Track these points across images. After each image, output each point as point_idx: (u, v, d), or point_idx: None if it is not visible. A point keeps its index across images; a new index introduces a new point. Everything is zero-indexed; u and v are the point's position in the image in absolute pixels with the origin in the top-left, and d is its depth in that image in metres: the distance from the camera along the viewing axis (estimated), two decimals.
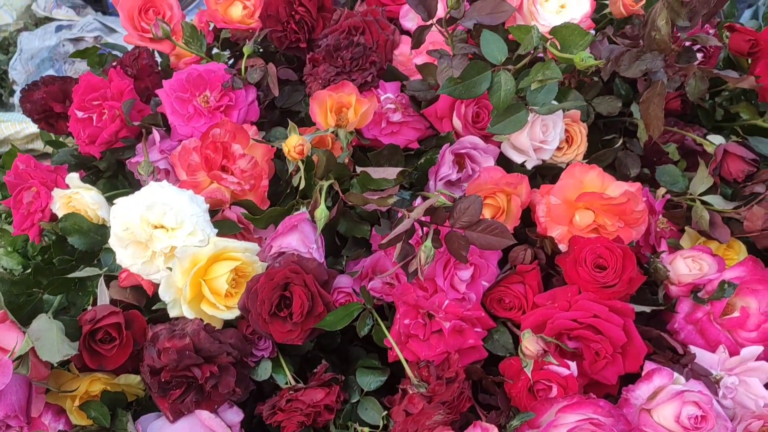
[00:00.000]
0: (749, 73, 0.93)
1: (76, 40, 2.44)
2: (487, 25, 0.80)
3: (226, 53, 0.92)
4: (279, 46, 0.96)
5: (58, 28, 2.61)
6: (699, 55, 0.91)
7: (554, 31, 0.69)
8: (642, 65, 0.75)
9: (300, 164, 0.74)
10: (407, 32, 0.98)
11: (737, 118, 0.93)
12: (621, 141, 0.84)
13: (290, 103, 0.94)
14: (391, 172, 0.74)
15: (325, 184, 0.73)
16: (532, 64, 0.73)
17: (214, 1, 0.98)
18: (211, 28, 1.00)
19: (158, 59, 1.00)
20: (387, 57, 0.95)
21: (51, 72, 2.36)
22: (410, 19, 0.99)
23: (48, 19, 2.77)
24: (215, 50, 1.00)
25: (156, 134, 0.82)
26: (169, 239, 0.66)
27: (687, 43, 0.81)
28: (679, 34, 0.74)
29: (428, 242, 0.65)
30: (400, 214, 0.71)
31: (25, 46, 2.50)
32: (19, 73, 2.39)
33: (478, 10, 0.80)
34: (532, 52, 0.70)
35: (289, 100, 0.95)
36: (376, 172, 0.75)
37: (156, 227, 0.67)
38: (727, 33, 0.92)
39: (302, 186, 0.75)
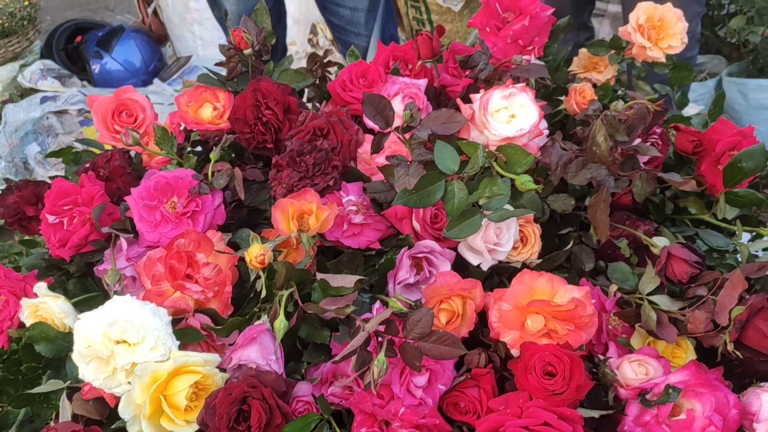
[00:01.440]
0: (696, 170, 0.98)
1: (60, 113, 2.49)
2: (441, 134, 0.84)
3: (194, 158, 0.96)
4: (247, 147, 1.00)
5: (43, 100, 2.66)
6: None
7: (500, 149, 0.73)
8: (588, 173, 0.79)
9: (261, 273, 0.77)
10: (371, 131, 1.02)
11: (687, 212, 0.97)
12: (571, 244, 0.87)
13: (257, 202, 0.98)
14: (349, 281, 0.77)
15: (285, 293, 0.76)
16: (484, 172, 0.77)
17: (185, 103, 1.03)
18: (182, 128, 1.04)
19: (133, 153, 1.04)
20: (351, 155, 0.99)
21: (34, 145, 2.40)
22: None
23: (33, 90, 2.82)
24: (189, 148, 1.04)
25: (123, 242, 0.84)
26: (130, 355, 0.68)
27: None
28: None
29: (381, 356, 0.67)
30: (357, 323, 0.73)
31: (9, 118, 2.54)
32: (3, 146, 2.43)
33: (432, 120, 0.85)
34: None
35: (256, 198, 0.98)
36: (335, 280, 0.77)
37: (118, 342, 0.69)
38: (674, 131, 0.97)
39: (264, 294, 0.77)
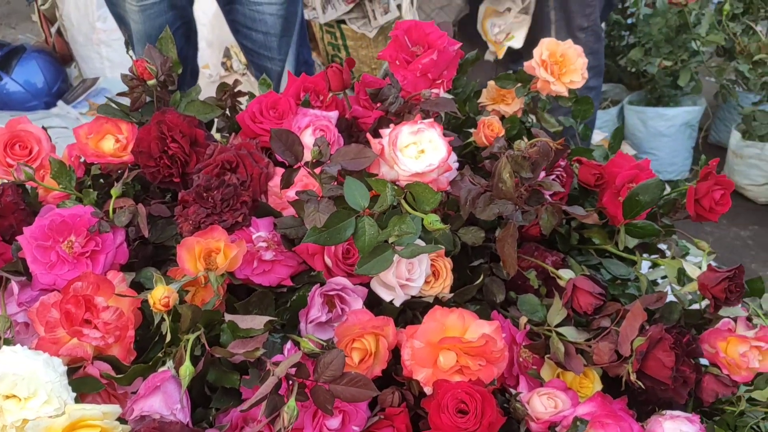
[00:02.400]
0: (598, 201, 1.01)
1: None
2: (351, 171, 0.84)
3: (94, 193, 0.91)
4: (152, 181, 0.96)
5: None
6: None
7: (408, 186, 0.74)
8: (495, 209, 0.81)
9: (166, 316, 0.74)
10: (282, 163, 1.01)
11: (592, 242, 1.00)
12: (482, 278, 0.88)
13: (164, 238, 0.94)
14: (259, 322, 0.74)
15: (191, 337, 0.73)
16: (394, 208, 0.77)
17: (84, 135, 0.98)
18: (81, 161, 0.99)
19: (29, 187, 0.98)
20: (261, 189, 0.97)
21: None
22: None
23: None
24: (89, 182, 0.99)
25: (14, 285, 0.79)
26: (21, 411, 0.64)
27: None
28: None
29: (292, 401, 0.66)
30: (267, 366, 0.71)
31: None
32: None
33: (342, 155, 0.84)
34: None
35: (162, 235, 0.94)
36: (244, 321, 0.75)
37: (7, 397, 0.64)
38: (578, 164, 1.01)
39: (168, 338, 0.74)
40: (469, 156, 1.16)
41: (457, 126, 1.19)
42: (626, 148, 2.27)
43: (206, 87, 2.91)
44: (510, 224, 0.81)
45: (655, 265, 0.97)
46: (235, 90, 1.16)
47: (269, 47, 1.76)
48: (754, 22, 2.31)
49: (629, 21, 2.63)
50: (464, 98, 1.21)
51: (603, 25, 2.48)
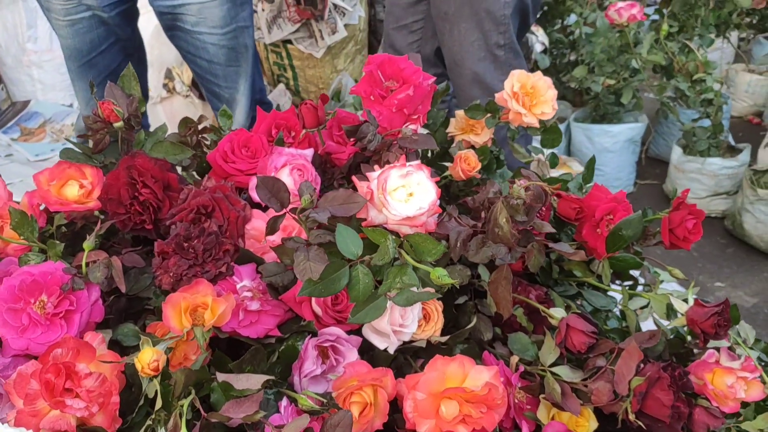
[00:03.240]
0: (576, 233, 1.02)
1: None
2: (340, 216, 0.82)
3: (61, 245, 0.86)
4: (123, 229, 0.91)
5: None
6: None
7: (408, 237, 0.72)
8: (488, 251, 0.80)
9: (156, 381, 0.70)
10: (258, 204, 0.97)
11: (572, 274, 1.00)
12: (474, 321, 0.87)
13: (138, 289, 0.89)
14: (254, 381, 0.71)
15: (185, 402, 0.69)
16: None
17: (46, 181, 0.92)
18: (42, 208, 0.93)
19: None
20: (239, 233, 0.93)
21: None
22: None
23: None
24: (52, 231, 0.93)
25: None
26: None
27: None
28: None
29: None
30: (267, 429, 0.68)
31: None
32: None
33: (330, 201, 0.82)
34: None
35: (136, 285, 0.89)
36: (239, 381, 0.72)
37: None
38: (556, 198, 1.01)
39: (159, 404, 0.70)
40: (443, 188, 1.15)
41: (430, 158, 1.19)
42: (574, 165, 2.33)
43: (147, 109, 2.83)
44: (503, 267, 0.81)
45: (632, 288, 0.99)
46: (200, 126, 1.11)
47: (215, 74, 1.72)
48: (689, 41, 2.40)
49: (570, 38, 2.70)
50: (434, 129, 1.20)
51: (544, 42, 2.54)
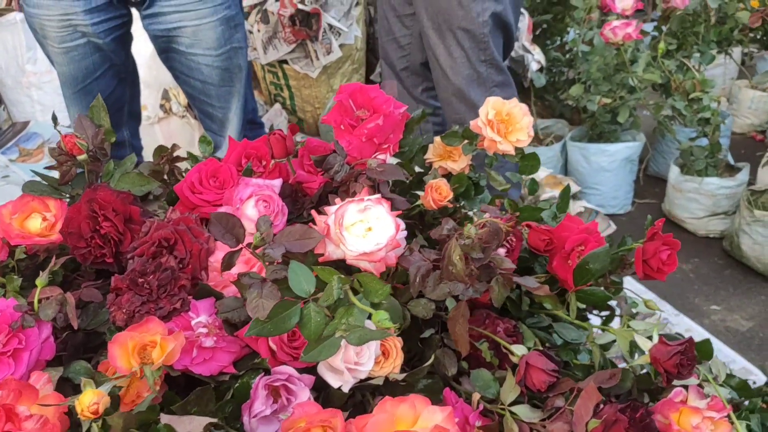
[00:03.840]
0: (548, 265, 1.00)
1: None
2: (296, 252, 0.81)
3: (18, 280, 0.85)
4: (83, 262, 0.91)
5: None
6: (503, 251, 0.97)
7: (356, 276, 0.71)
8: (445, 288, 0.79)
9: (96, 426, 0.69)
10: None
11: (544, 306, 0.98)
12: (431, 359, 0.86)
13: (96, 324, 0.89)
14: (198, 424, 0.70)
15: None
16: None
17: (8, 214, 0.92)
18: (4, 242, 0.93)
19: None
20: (202, 266, 0.92)
21: None
22: None
23: None
24: (12, 264, 0.92)
25: None
26: None
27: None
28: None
29: None
30: None
31: None
32: None
33: (286, 236, 0.81)
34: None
35: (94, 320, 0.89)
36: (182, 424, 0.70)
37: None
38: (527, 228, 1.00)
39: None
40: (417, 217, 1.14)
41: (405, 187, 1.17)
42: (570, 184, 2.30)
43: (143, 129, 2.84)
44: (461, 304, 0.79)
45: (606, 322, 0.97)
46: (174, 155, 1.11)
47: (208, 95, 1.72)
48: (687, 59, 2.38)
49: (568, 56, 2.68)
50: (411, 156, 1.19)
51: (540, 60, 2.52)
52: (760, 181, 2.26)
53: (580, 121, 2.50)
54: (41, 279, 0.81)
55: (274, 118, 2.65)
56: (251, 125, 1.92)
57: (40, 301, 0.81)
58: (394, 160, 1.06)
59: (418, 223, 1.14)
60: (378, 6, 1.99)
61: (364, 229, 0.81)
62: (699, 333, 1.81)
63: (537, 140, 2.54)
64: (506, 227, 0.74)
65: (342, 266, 0.83)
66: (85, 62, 1.56)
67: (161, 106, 2.62)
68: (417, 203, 1.08)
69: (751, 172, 2.34)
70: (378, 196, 0.84)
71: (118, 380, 0.73)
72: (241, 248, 0.82)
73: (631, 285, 2.04)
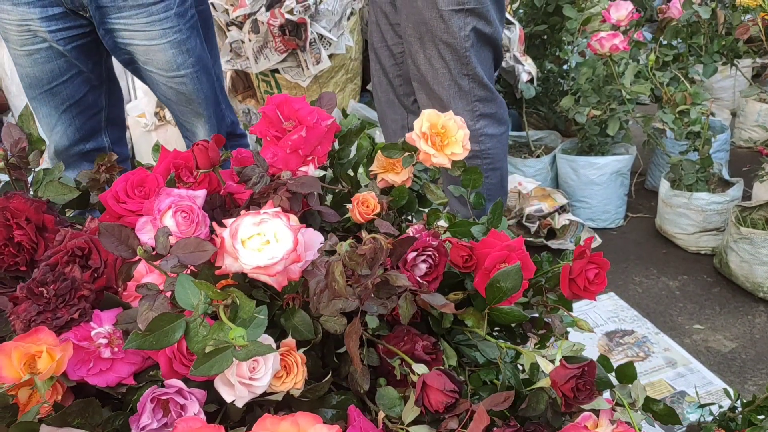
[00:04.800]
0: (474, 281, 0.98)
1: None
2: (190, 264, 0.80)
3: None
4: None
5: None
6: (424, 266, 0.95)
7: (231, 291, 0.69)
8: (338, 304, 0.77)
9: None
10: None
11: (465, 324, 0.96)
12: (329, 377, 0.84)
13: (7, 332, 0.89)
14: None
15: None
16: None
17: None
18: None
19: None
20: (117, 275, 0.93)
21: None
22: (147, 232, 0.97)
23: None
24: None
25: None
26: None
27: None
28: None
29: None
30: None
31: None
32: None
33: (181, 248, 0.80)
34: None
35: (5, 327, 0.89)
36: None
37: None
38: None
39: None
40: (353, 229, 1.13)
41: (343, 197, 1.16)
42: (558, 197, 2.26)
43: (141, 136, 2.88)
44: (354, 320, 0.77)
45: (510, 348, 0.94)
46: (110, 163, 1.12)
47: (171, 109, 1.73)
48: (683, 71, 2.32)
49: (565, 68, 2.64)
50: (349, 167, 1.17)
51: (530, 71, 2.49)
52: (756, 196, 2.19)
53: (574, 133, 2.46)
54: None
55: None
56: (231, 137, 1.92)
57: None
58: (318, 173, 1.05)
59: (354, 236, 1.13)
60: (370, 12, 1.97)
61: (261, 242, 0.80)
62: (678, 352, 1.76)
63: (528, 152, 2.50)
64: (386, 243, 0.72)
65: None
66: (49, 65, 1.56)
67: (156, 113, 2.65)
68: (346, 216, 1.07)
69: (751, 187, 2.27)
70: (277, 209, 0.82)
71: (5, 389, 0.73)
72: (138, 260, 0.81)
73: (613, 301, 2.00)
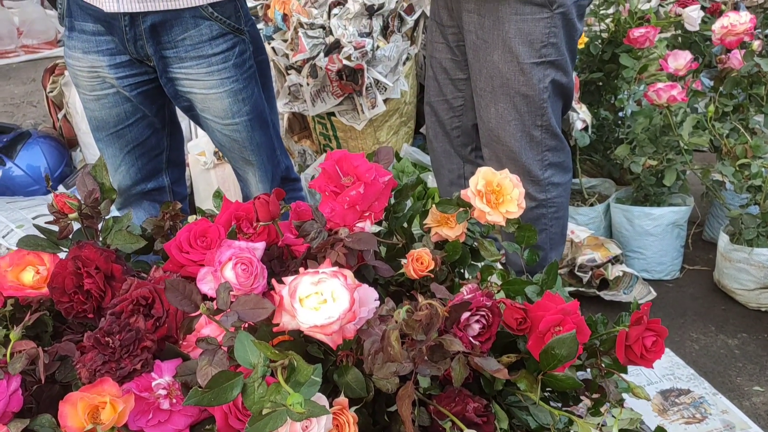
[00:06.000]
0: (527, 344, 0.97)
1: None
2: (249, 321, 0.82)
3: (2, 332, 0.90)
4: (66, 316, 0.95)
5: None
6: (477, 327, 0.95)
7: (290, 355, 0.71)
8: (392, 367, 0.78)
9: None
10: (204, 296, 0.99)
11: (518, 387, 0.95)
12: None
13: (70, 378, 0.92)
14: None
15: None
16: None
17: (4, 266, 0.98)
18: None
19: None
20: (179, 325, 0.95)
21: None
22: (207, 282, 1.00)
23: None
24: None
25: None
26: None
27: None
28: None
29: None
30: None
31: None
32: None
33: (241, 304, 0.83)
34: None
35: (71, 374, 0.92)
36: None
37: None
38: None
39: None
40: (407, 282, 1.14)
41: (397, 251, 1.17)
42: (612, 247, 2.22)
43: (200, 174, 2.96)
44: (408, 384, 0.78)
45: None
46: (175, 212, 1.16)
47: (225, 154, 1.78)
48: (743, 121, 2.28)
49: (620, 114, 2.62)
50: (405, 220, 1.19)
51: (585, 119, 2.47)
52: None
53: (629, 181, 2.43)
54: (15, 333, 0.86)
55: None
56: (285, 182, 1.97)
57: (12, 354, 0.85)
58: (374, 229, 1.07)
59: (406, 292, 1.14)
60: (427, 67, 1.98)
61: (319, 301, 0.82)
62: (736, 415, 1.69)
63: (581, 199, 2.48)
64: (443, 311, 0.73)
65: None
66: (116, 110, 1.64)
67: (215, 153, 2.73)
68: (400, 271, 1.08)
69: None
70: (334, 269, 0.84)
71: None
72: (199, 314, 0.84)
73: (669, 358, 1.94)
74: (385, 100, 2.54)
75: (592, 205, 2.42)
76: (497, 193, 1.08)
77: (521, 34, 1.61)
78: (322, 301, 0.82)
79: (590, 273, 2.17)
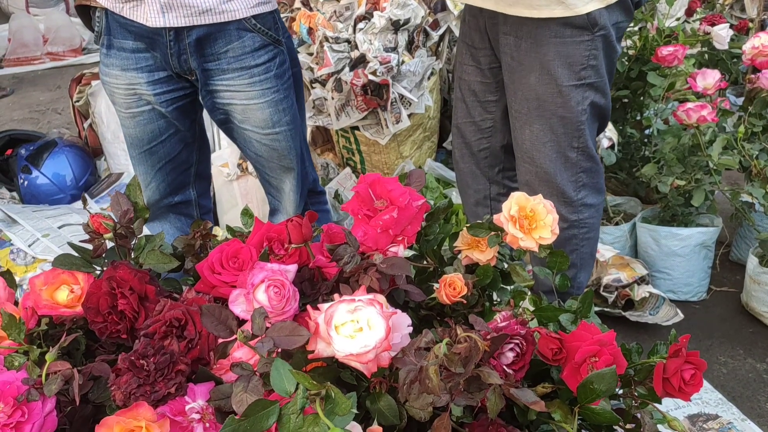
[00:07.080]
0: (561, 373, 0.96)
1: None
2: (284, 348, 0.82)
3: (38, 351, 0.91)
4: (100, 336, 0.95)
5: None
6: (511, 355, 0.93)
7: (327, 386, 0.71)
8: (429, 398, 0.77)
9: None
10: (236, 318, 0.99)
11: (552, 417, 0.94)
12: None
13: (104, 398, 0.92)
14: None
15: None
16: None
17: (40, 284, 0.98)
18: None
19: None
20: (211, 347, 0.95)
21: None
22: (239, 305, 1.00)
23: None
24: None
25: None
26: None
27: None
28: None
29: None
30: None
31: None
32: None
33: (277, 331, 0.82)
34: None
35: (104, 394, 0.93)
36: None
37: None
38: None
39: None
40: (437, 306, 1.13)
41: (428, 274, 1.16)
42: (638, 267, 2.20)
43: (223, 185, 2.97)
44: (444, 416, 0.77)
45: None
46: (205, 231, 1.16)
47: (262, 165, 1.79)
48: None
49: (647, 132, 2.60)
50: (436, 244, 1.18)
51: (611, 137, 2.45)
52: None
53: (655, 201, 2.40)
54: (51, 354, 0.86)
55: (345, 181, 2.71)
56: (311, 194, 1.97)
57: (47, 375, 0.85)
58: (407, 253, 1.06)
59: (438, 315, 1.13)
60: (455, 88, 1.96)
61: (354, 329, 0.81)
62: None
63: (606, 218, 2.45)
64: (484, 345, 0.72)
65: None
66: (150, 126, 1.66)
67: (239, 165, 2.74)
68: (431, 296, 1.07)
69: None
70: (371, 296, 0.83)
71: None
72: (235, 339, 0.83)
73: None
74: (409, 115, 2.54)
75: (617, 224, 2.40)
76: (531, 219, 1.07)
77: (561, 56, 1.60)
78: (358, 329, 0.81)
79: (616, 293, 2.15)
